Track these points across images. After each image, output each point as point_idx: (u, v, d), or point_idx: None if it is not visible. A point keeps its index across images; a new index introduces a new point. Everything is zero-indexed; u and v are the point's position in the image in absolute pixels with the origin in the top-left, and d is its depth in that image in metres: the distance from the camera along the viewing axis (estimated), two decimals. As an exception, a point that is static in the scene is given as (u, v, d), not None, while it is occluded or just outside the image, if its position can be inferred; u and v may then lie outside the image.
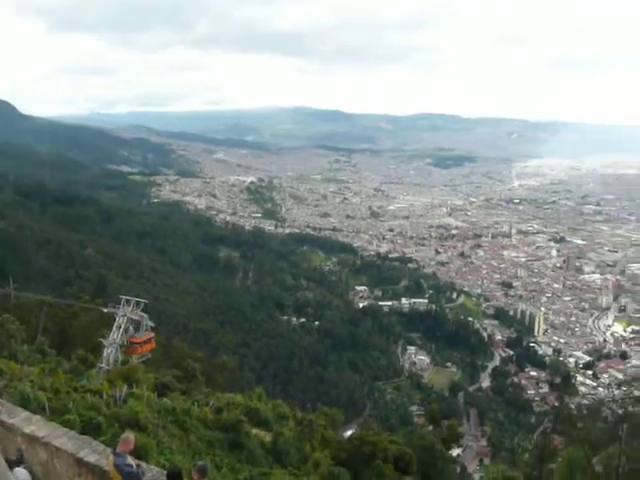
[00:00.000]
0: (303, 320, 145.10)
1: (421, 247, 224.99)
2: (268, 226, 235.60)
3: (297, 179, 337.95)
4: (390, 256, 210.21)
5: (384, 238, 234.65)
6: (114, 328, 38.85)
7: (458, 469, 51.55)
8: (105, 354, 37.84)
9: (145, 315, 41.02)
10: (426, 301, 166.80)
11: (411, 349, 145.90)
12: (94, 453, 9.80)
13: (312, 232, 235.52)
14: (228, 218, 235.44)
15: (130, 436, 9.16)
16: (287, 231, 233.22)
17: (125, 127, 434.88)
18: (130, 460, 8.83)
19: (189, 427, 23.67)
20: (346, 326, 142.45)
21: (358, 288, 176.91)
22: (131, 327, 39.70)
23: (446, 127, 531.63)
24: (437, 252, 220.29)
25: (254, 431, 27.30)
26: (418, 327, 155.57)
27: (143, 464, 9.61)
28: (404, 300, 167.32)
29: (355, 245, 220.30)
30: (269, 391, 62.91)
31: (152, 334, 41.55)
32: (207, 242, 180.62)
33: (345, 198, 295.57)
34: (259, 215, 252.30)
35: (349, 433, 43.19)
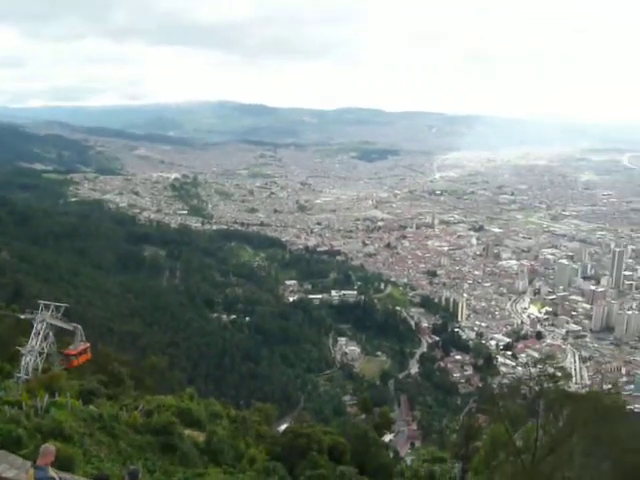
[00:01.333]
0: (233, 317, 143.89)
1: (348, 240, 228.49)
2: (194, 223, 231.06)
3: (223, 174, 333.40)
4: (318, 249, 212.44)
5: (312, 232, 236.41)
6: (32, 335, 36.79)
7: (391, 454, 52.93)
8: (24, 363, 35.74)
9: (79, 326, 39.74)
10: (355, 292, 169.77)
11: (342, 340, 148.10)
12: (12, 468, 9.33)
13: (240, 228, 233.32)
14: (152, 216, 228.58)
15: (50, 447, 8.79)
16: (214, 227, 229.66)
17: (37, 122, 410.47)
18: (52, 473, 8.51)
19: (118, 433, 22.98)
20: (277, 321, 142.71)
21: (288, 282, 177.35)
22: (51, 333, 37.79)
23: (370, 121, 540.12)
24: (364, 244, 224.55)
25: (187, 432, 26.87)
26: (348, 318, 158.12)
27: (67, 475, 9.27)
28: (334, 292, 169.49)
29: (283, 239, 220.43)
30: (201, 390, 62.08)
31: (87, 344, 40.19)
32: (131, 241, 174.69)
33: (272, 193, 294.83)
34: (185, 212, 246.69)
35: (284, 427, 43.38)
